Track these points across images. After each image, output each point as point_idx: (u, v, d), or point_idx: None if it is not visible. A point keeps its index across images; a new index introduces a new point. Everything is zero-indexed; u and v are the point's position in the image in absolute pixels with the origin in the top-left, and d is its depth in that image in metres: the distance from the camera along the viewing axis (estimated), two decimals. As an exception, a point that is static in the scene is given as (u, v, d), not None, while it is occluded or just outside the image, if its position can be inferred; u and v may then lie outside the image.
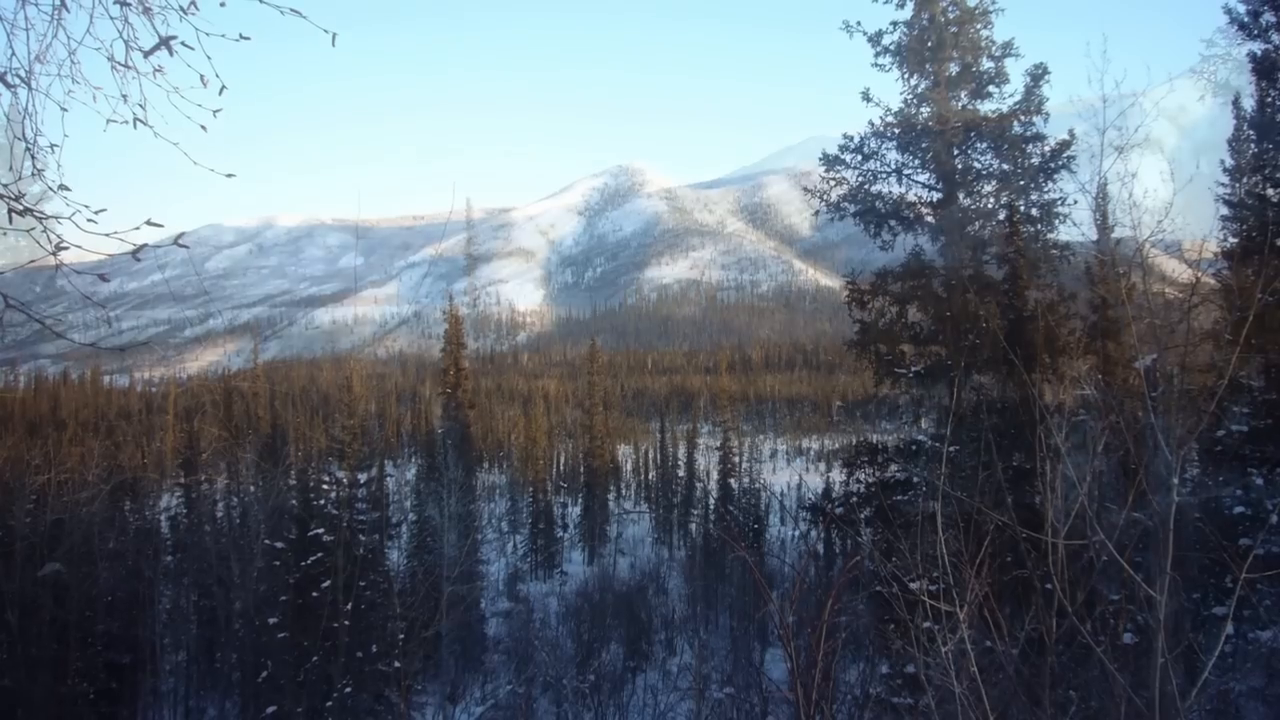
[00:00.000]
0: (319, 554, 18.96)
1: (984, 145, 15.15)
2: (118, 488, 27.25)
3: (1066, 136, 14.18)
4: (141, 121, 2.88)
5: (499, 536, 58.60)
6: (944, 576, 4.20)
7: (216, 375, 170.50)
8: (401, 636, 18.84)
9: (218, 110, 2.90)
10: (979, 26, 14.86)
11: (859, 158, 15.64)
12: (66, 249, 2.83)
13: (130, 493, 29.44)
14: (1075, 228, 14.95)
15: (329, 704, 18.03)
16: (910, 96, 15.21)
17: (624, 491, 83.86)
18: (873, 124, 15.42)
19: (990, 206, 15.16)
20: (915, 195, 15.57)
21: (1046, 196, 14.58)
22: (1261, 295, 8.19)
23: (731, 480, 47.49)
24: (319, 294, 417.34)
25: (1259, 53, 13.36)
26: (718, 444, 50.93)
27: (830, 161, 15.88)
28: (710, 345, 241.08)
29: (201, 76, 2.86)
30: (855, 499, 15.09)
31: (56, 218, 2.76)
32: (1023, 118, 14.61)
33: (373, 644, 19.20)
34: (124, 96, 2.85)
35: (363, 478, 22.29)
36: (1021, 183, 14.62)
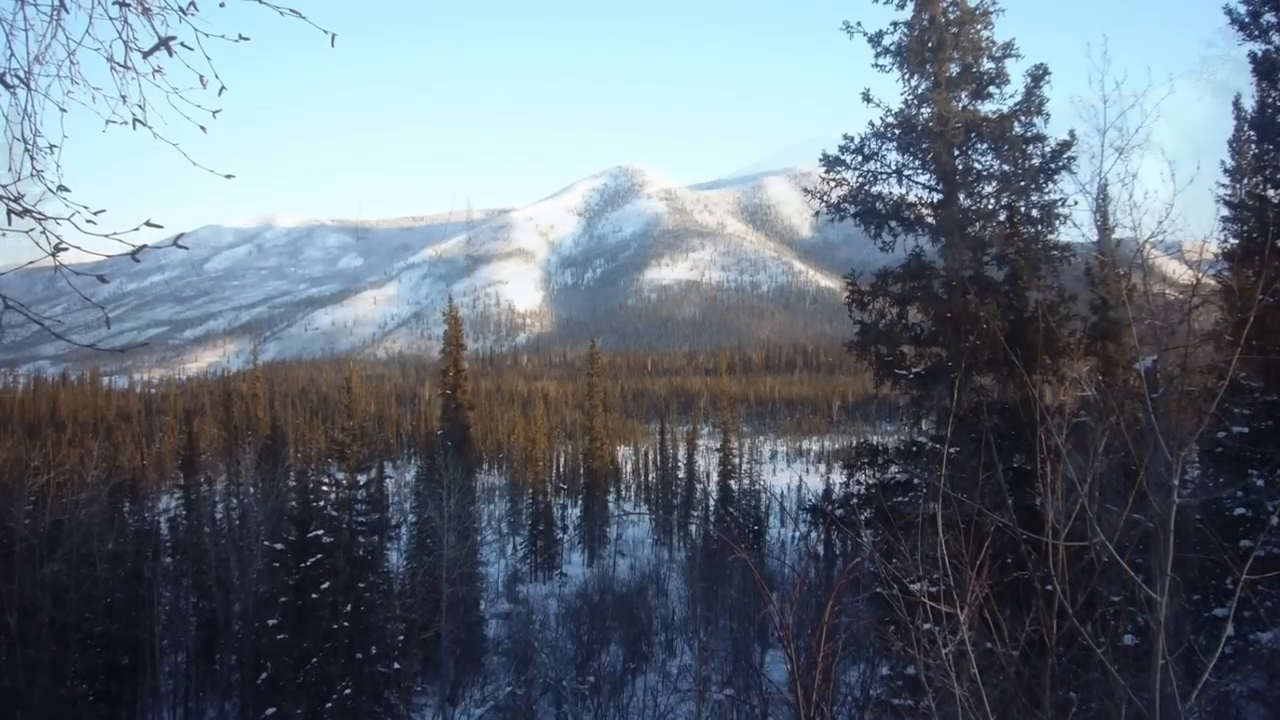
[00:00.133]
0: (318, 555, 18.96)
1: (984, 146, 15.13)
2: (117, 489, 27.26)
3: (1067, 137, 14.16)
4: (141, 122, 2.88)
5: (499, 538, 58.62)
6: (944, 578, 4.19)
7: (216, 376, 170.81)
8: (401, 638, 18.87)
9: (217, 111, 2.89)
10: (979, 27, 14.86)
11: (859, 158, 15.62)
12: (66, 250, 2.82)
13: (130, 494, 29.43)
14: (1076, 228, 14.92)
15: (328, 705, 18.04)
16: (910, 97, 15.20)
17: (624, 493, 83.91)
18: (873, 125, 15.40)
19: (991, 207, 15.14)
20: (916, 196, 15.55)
21: (1047, 197, 14.55)
22: (1262, 296, 8.18)
23: (731, 482, 47.50)
24: (318, 295, 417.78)
25: (1259, 53, 13.38)
26: (718, 445, 51.02)
27: (830, 162, 15.86)
28: (710, 346, 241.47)
29: (201, 77, 2.85)
30: (855, 500, 15.07)
31: (56, 219, 2.75)
32: (1023, 118, 14.59)
33: (372, 645, 19.19)
34: (123, 97, 2.85)
35: (362, 479, 22.26)
36: (1022, 183, 14.60)
